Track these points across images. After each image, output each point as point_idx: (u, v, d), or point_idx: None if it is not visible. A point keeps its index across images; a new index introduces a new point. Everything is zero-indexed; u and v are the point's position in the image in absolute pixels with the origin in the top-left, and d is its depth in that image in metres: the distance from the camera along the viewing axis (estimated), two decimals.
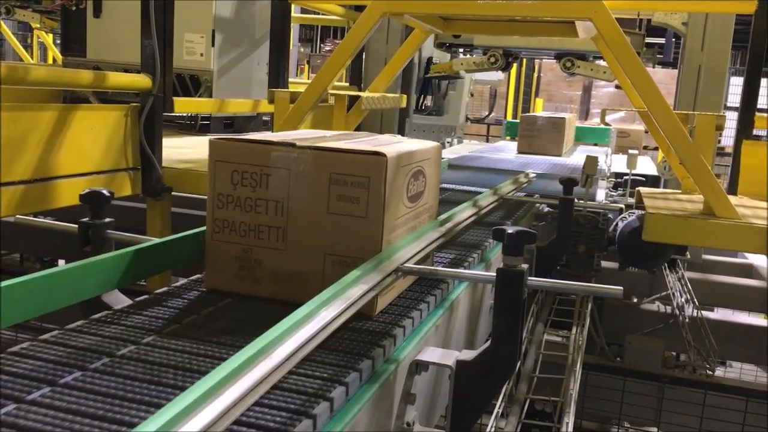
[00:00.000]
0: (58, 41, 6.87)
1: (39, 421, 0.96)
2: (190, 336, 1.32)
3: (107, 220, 1.59)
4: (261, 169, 1.52)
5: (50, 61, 9.60)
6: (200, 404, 0.82)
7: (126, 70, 4.16)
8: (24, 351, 1.20)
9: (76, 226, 1.60)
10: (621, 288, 1.36)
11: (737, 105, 3.70)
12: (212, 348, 1.27)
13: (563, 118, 5.55)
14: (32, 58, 10.81)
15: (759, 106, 3.78)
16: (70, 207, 2.59)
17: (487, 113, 10.58)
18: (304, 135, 1.70)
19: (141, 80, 2.88)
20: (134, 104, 2.95)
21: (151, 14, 2.80)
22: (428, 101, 6.59)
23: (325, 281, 1.36)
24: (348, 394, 1.16)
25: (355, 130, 4.00)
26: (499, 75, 7.15)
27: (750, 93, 3.60)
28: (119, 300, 1.49)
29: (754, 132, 3.68)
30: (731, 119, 3.91)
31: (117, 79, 2.88)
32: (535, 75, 13.15)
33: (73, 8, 4.98)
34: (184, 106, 4.43)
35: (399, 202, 1.57)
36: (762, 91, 3.81)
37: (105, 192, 1.59)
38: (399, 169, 1.54)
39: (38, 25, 7.54)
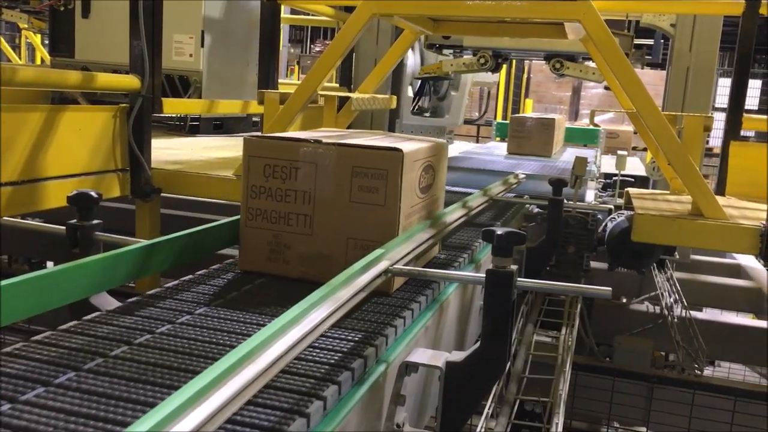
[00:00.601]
0: (47, 42, 6.83)
1: (33, 420, 0.97)
2: (235, 307, 1.51)
3: (95, 221, 1.59)
4: (290, 163, 1.72)
5: (38, 61, 9.55)
6: (194, 402, 0.82)
7: (115, 71, 4.14)
8: (17, 351, 1.20)
9: (65, 227, 1.59)
10: (609, 289, 1.37)
11: (725, 106, 3.72)
12: (253, 317, 1.45)
13: (553, 119, 5.57)
14: (20, 58, 10.75)
15: (747, 107, 3.80)
16: (59, 208, 2.58)
17: (478, 114, 10.61)
18: (327, 133, 1.88)
19: (129, 81, 2.87)
20: (123, 105, 2.94)
21: (139, 15, 2.79)
22: (424, 103, 6.61)
23: (347, 262, 1.46)
24: (341, 393, 1.16)
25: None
26: (494, 76, 7.18)
27: (738, 94, 3.62)
28: (107, 302, 1.48)
29: (742, 133, 3.71)
30: (719, 120, 3.94)
31: (105, 80, 2.87)
32: (525, 76, 13.18)
33: (62, 8, 4.95)
34: (173, 107, 4.41)
35: (412, 192, 1.76)
36: (750, 92, 3.83)
37: (93, 194, 1.58)
38: (412, 163, 1.73)
39: (26, 26, 7.51)
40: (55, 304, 1.30)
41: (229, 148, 4.26)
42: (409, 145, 1.73)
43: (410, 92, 6.04)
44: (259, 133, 1.88)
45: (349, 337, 1.35)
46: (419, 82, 6.27)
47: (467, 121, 10.55)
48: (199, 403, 0.83)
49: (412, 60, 5.78)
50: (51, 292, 1.28)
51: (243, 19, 5.18)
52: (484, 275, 1.35)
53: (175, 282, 1.69)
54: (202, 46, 4.72)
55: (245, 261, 1.80)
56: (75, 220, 1.58)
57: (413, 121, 6.14)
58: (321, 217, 1.72)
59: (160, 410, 0.77)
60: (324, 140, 1.70)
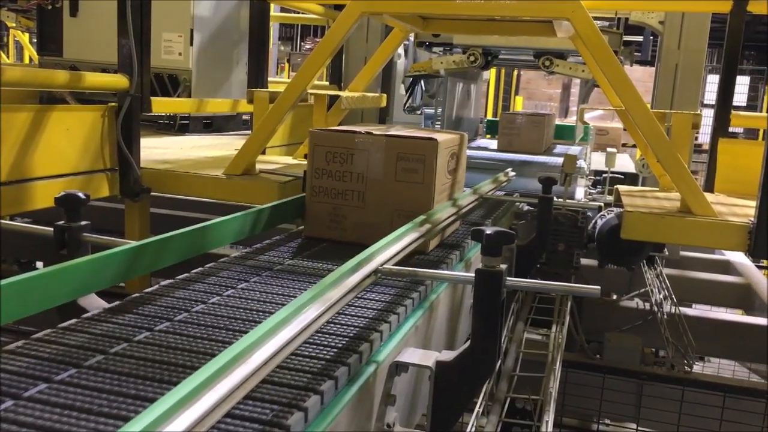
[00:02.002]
0: (35, 40, 6.79)
1: (38, 417, 0.98)
2: (315, 258, 1.97)
3: (83, 222, 1.58)
4: (347, 150, 2.17)
5: (26, 60, 9.49)
6: (185, 403, 0.81)
7: (104, 70, 4.12)
8: (19, 349, 1.21)
9: (52, 229, 1.58)
10: (598, 288, 1.37)
11: (714, 102, 3.74)
12: (318, 270, 1.82)
13: (543, 115, 5.58)
14: (8, 57, 10.68)
15: (735, 104, 3.82)
16: (49, 208, 2.56)
17: None
18: (375, 127, 2.31)
19: (118, 80, 2.85)
20: (111, 104, 2.93)
21: (127, 13, 2.77)
22: (415, 101, 6.62)
23: (392, 229, 1.77)
24: (337, 387, 1.17)
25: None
26: (485, 74, 7.21)
27: (726, 91, 3.64)
28: (96, 303, 1.47)
29: (731, 129, 3.72)
30: (708, 116, 3.95)
31: (93, 79, 2.85)
32: (515, 73, 13.20)
33: (49, 7, 4.92)
34: (162, 106, 4.40)
35: (443, 173, 2.21)
36: (738, 88, 3.85)
37: (80, 195, 1.57)
38: (444, 150, 2.17)
39: (14, 24, 7.46)
40: (43, 307, 1.30)
41: (218, 146, 4.24)
42: (441, 136, 2.16)
43: (402, 90, 6.05)
44: (322, 128, 2.33)
45: (344, 335, 1.36)
46: (410, 80, 6.28)
47: None
48: (190, 403, 0.83)
49: (405, 59, 5.79)
50: (38, 295, 1.28)
51: (232, 18, 5.16)
52: (474, 275, 1.35)
53: (283, 235, 2.20)
54: (192, 44, 4.70)
55: (310, 229, 2.24)
56: (63, 222, 1.57)
57: (405, 119, 6.15)
58: (371, 193, 2.16)
59: (152, 410, 0.77)
60: (374, 132, 2.15)
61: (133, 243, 1.56)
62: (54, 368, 1.14)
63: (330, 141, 2.18)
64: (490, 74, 11.91)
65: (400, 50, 5.63)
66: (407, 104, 6.46)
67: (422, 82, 6.61)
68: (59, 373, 1.12)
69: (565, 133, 7.34)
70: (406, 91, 6.24)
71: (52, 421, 0.97)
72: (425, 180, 2.12)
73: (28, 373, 1.12)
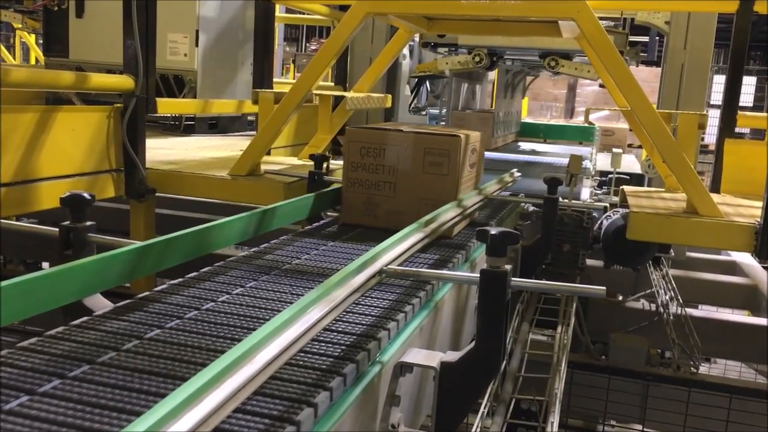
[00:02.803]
0: (41, 41, 6.81)
1: (52, 411, 1.00)
2: (350, 240, 2.22)
3: (88, 223, 1.58)
4: (380, 146, 2.40)
5: (33, 61, 9.52)
6: (193, 400, 0.82)
7: (109, 71, 4.13)
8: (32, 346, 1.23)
9: (57, 229, 1.59)
10: (604, 288, 1.37)
11: (720, 103, 3.73)
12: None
13: (491, 112, 6.00)
14: (15, 58, 10.72)
15: (742, 104, 3.81)
16: (55, 209, 2.57)
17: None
18: (404, 125, 2.52)
19: (123, 81, 2.86)
20: (117, 105, 2.93)
21: (133, 14, 2.78)
22: (420, 101, 6.61)
23: (419, 216, 1.98)
24: (346, 383, 1.18)
25: (342, 128, 4.05)
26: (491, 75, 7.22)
27: (732, 91, 3.63)
28: (101, 304, 1.47)
29: (737, 130, 3.71)
30: (714, 117, 3.94)
31: (99, 80, 2.86)
32: None
33: (55, 8, 4.94)
34: (167, 107, 4.41)
35: (465, 166, 2.44)
36: (744, 89, 3.83)
37: (86, 195, 1.57)
38: (466, 146, 2.41)
39: (20, 26, 7.49)
40: (48, 307, 1.30)
41: (224, 147, 4.25)
42: (463, 133, 2.40)
43: (407, 91, 6.05)
44: (357, 126, 2.60)
45: (349, 336, 1.36)
46: (416, 80, 6.27)
47: None
48: (198, 400, 0.83)
49: (410, 59, 5.79)
50: (43, 295, 1.28)
51: (238, 19, 5.17)
52: (479, 275, 1.34)
53: (318, 224, 2.44)
54: (197, 45, 4.72)
55: (346, 216, 2.48)
56: (68, 222, 1.57)
57: (411, 119, 6.16)
58: (401, 184, 2.40)
59: (160, 408, 0.78)
60: (404, 129, 2.39)
61: (138, 243, 1.56)
62: (68, 364, 1.16)
63: (364, 137, 2.44)
64: (495, 75, 11.89)
65: (405, 51, 5.63)
66: (412, 105, 6.45)
67: (427, 82, 6.60)
68: (73, 369, 1.15)
69: (570, 134, 7.33)
70: (412, 92, 6.23)
71: (66, 415, 0.99)
72: (450, 172, 2.36)
73: (42, 369, 1.14)
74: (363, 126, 2.56)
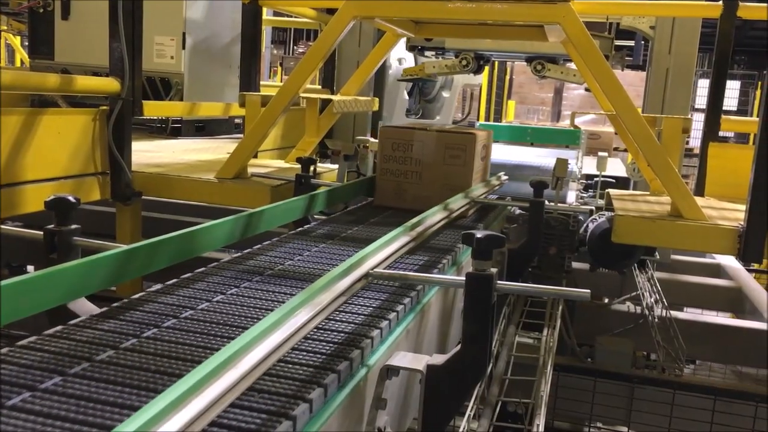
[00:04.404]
0: (26, 43, 6.77)
1: (54, 407, 1.02)
2: (385, 219, 2.66)
3: (73, 226, 1.57)
4: (408, 142, 2.91)
5: (18, 63, 9.46)
6: (176, 406, 0.81)
7: (95, 73, 4.11)
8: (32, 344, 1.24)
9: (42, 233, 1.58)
10: (588, 291, 1.38)
11: (705, 107, 3.76)
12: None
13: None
14: (0, 60, 10.64)
15: (725, 108, 3.84)
16: (40, 212, 2.55)
17: (461, 115, 10.61)
18: (427, 125, 2.99)
19: (109, 84, 2.85)
20: (103, 108, 2.92)
21: (119, 16, 2.77)
22: (411, 104, 6.60)
23: (441, 200, 2.40)
24: (326, 395, 1.16)
25: (329, 132, 4.09)
26: (479, 78, 7.22)
27: (716, 95, 3.66)
28: (86, 308, 1.47)
29: (722, 134, 3.74)
30: (699, 121, 3.97)
31: (85, 82, 2.85)
32: (507, 77, 13.24)
33: (41, 10, 4.91)
34: (153, 109, 4.39)
35: (478, 159, 2.93)
36: (728, 93, 3.86)
37: (71, 198, 1.56)
38: (478, 142, 2.91)
39: (5, 28, 7.44)
40: (33, 311, 1.29)
41: (211, 150, 4.24)
42: (476, 132, 2.91)
43: (405, 95, 6.06)
44: (389, 125, 3.10)
45: (335, 340, 1.35)
46: (410, 84, 6.26)
47: (453, 122, 10.57)
48: (181, 406, 0.83)
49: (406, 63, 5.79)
50: (27, 299, 1.27)
51: (225, 21, 5.16)
52: (464, 278, 1.35)
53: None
54: (184, 48, 4.70)
55: (379, 200, 2.98)
56: (53, 225, 1.56)
57: (405, 122, 6.15)
58: (426, 173, 2.90)
59: (141, 415, 0.77)
60: (428, 128, 2.90)
61: (124, 247, 1.55)
62: (68, 363, 1.18)
63: (395, 135, 2.93)
64: (483, 78, 11.93)
65: (406, 55, 5.65)
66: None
67: (418, 85, 6.60)
68: (72, 366, 1.17)
69: (556, 138, 7.35)
70: (410, 95, 6.23)
71: (68, 411, 1.01)
72: (466, 163, 2.84)
73: (41, 366, 1.16)
74: (394, 126, 3.08)
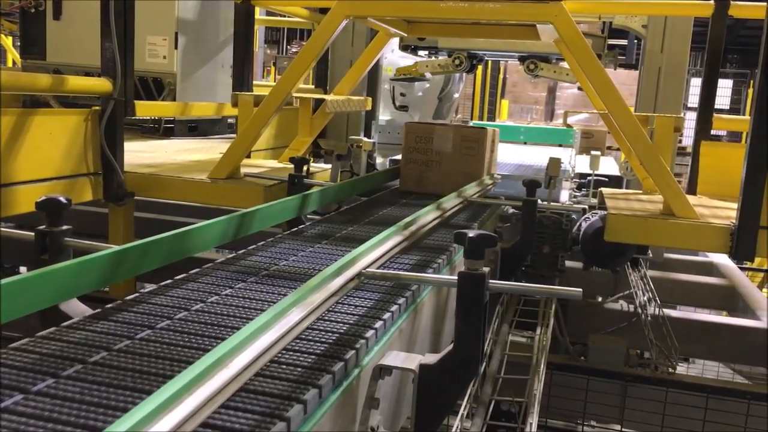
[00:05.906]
0: (18, 44, 6.74)
1: (46, 410, 1.01)
2: (412, 200, 3.18)
3: (65, 227, 1.56)
4: (429, 135, 3.42)
5: (9, 63, 9.42)
6: (167, 406, 0.81)
7: (87, 73, 4.09)
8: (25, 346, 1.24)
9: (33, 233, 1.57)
10: (580, 290, 1.38)
11: (697, 105, 3.77)
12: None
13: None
14: None
15: (717, 107, 3.85)
16: (32, 213, 2.54)
17: (455, 114, 10.62)
18: (446, 121, 4.30)
19: (101, 84, 2.84)
20: (95, 108, 2.91)
21: (110, 16, 2.76)
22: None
23: (459, 186, 2.93)
24: (321, 396, 1.16)
25: (322, 131, 4.11)
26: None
27: (708, 94, 3.67)
28: (78, 309, 1.46)
29: (714, 132, 3.75)
30: (691, 120, 3.98)
31: (77, 83, 2.84)
32: (501, 76, 13.24)
33: (33, 10, 4.89)
34: (146, 109, 4.37)
35: (489, 151, 3.45)
36: (720, 91, 3.88)
37: (62, 199, 1.55)
38: (489, 136, 3.43)
39: None
40: (24, 312, 1.28)
41: (203, 150, 4.23)
42: (488, 128, 3.44)
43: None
44: (413, 122, 3.66)
45: (329, 340, 1.35)
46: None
47: None
48: (172, 407, 0.83)
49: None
50: (19, 300, 1.27)
51: (217, 21, 5.15)
52: (457, 277, 1.35)
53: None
54: (176, 47, 4.69)
55: (404, 185, 3.47)
56: (44, 226, 1.56)
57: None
58: (444, 162, 3.40)
59: (130, 416, 0.77)
60: (446, 124, 3.17)
61: (116, 247, 1.54)
62: (61, 365, 1.18)
63: (418, 129, 3.46)
64: (476, 78, 11.94)
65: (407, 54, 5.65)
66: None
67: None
68: (65, 369, 1.17)
69: (550, 136, 7.38)
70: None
71: (61, 413, 1.01)
72: (479, 154, 3.36)
73: (34, 368, 1.16)
74: (418, 122, 3.77)
